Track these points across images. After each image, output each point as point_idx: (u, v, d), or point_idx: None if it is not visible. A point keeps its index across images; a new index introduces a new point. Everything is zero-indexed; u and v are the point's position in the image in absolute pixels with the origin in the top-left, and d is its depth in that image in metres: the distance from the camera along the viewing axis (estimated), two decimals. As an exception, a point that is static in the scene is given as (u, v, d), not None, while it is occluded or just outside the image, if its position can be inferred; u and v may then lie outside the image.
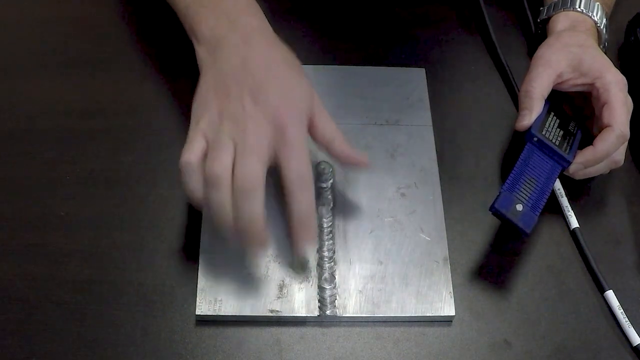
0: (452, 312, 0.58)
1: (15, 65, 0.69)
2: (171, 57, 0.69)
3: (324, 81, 0.69)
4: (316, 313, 0.57)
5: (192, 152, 0.53)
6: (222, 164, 0.52)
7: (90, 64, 0.69)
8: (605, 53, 0.69)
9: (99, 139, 0.65)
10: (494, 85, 0.72)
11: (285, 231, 0.59)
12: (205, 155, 0.54)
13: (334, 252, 0.59)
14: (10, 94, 0.67)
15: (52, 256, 0.58)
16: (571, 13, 0.69)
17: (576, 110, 0.68)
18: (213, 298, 0.56)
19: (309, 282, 0.58)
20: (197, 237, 0.59)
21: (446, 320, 0.58)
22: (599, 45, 0.69)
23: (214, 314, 0.56)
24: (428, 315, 0.57)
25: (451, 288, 0.59)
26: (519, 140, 0.64)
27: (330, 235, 0.60)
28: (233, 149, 0.53)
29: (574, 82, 0.65)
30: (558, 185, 0.66)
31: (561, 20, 0.69)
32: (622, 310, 0.59)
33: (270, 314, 0.56)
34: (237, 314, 0.56)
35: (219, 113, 0.54)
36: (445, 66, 0.73)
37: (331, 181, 0.63)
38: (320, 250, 0.59)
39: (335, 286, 0.58)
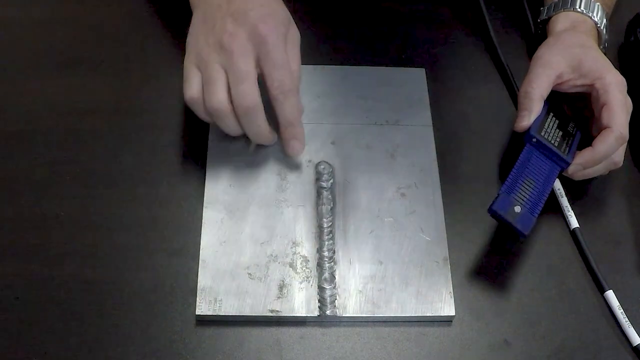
0: (452, 312, 0.58)
1: (15, 65, 0.69)
2: (171, 56, 0.69)
3: (324, 81, 0.69)
4: (316, 313, 0.57)
5: (192, 89, 0.60)
6: (218, 99, 0.58)
7: (90, 64, 0.69)
8: (605, 53, 0.69)
9: (99, 139, 0.65)
10: (494, 85, 0.72)
11: (284, 230, 0.60)
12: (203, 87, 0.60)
13: (334, 252, 0.59)
14: (10, 94, 0.67)
15: (52, 256, 0.58)
16: (571, 13, 0.69)
17: (576, 111, 0.68)
18: (213, 298, 0.56)
19: (309, 282, 0.58)
20: (197, 237, 0.59)
21: (446, 320, 0.58)
22: (599, 45, 0.69)
23: (214, 314, 0.56)
24: (428, 315, 0.57)
25: (451, 288, 0.59)
26: (519, 141, 0.64)
27: (330, 235, 0.60)
28: (225, 77, 0.58)
29: (574, 83, 0.65)
30: (558, 185, 0.66)
31: (561, 21, 0.69)
32: (622, 310, 0.59)
33: (270, 314, 0.56)
34: (237, 314, 0.56)
35: (206, 42, 0.60)
36: (445, 66, 0.73)
37: (331, 181, 0.63)
38: (320, 250, 0.59)
39: (335, 286, 0.58)
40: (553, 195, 0.65)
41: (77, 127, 0.65)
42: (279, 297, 0.57)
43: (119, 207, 0.61)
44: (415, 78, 0.71)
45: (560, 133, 0.64)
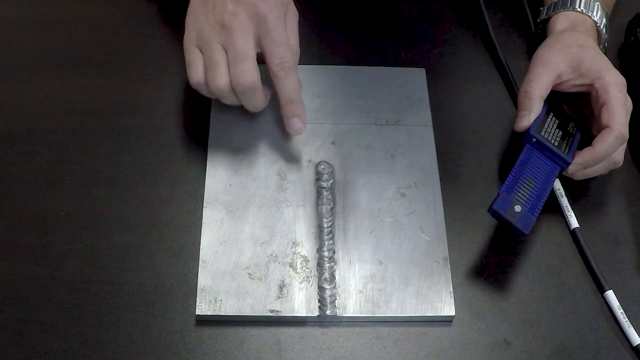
0: (452, 312, 0.58)
1: (15, 65, 0.69)
2: (171, 56, 0.69)
3: (324, 81, 0.69)
4: (316, 313, 0.57)
5: (196, 74, 0.61)
6: (221, 81, 0.59)
7: (90, 64, 0.69)
8: (605, 53, 0.69)
9: (99, 139, 0.65)
10: (494, 85, 0.72)
11: (284, 230, 0.60)
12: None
13: (334, 252, 0.59)
14: (10, 94, 0.67)
15: (52, 256, 0.58)
16: (571, 13, 0.69)
17: (576, 110, 0.68)
18: (213, 298, 0.56)
19: (309, 282, 0.58)
20: (197, 237, 0.59)
21: (446, 320, 0.58)
22: (599, 45, 0.69)
23: (214, 314, 0.56)
24: (428, 315, 0.57)
25: (451, 288, 0.59)
26: (519, 141, 0.64)
27: (330, 235, 0.60)
28: (226, 58, 0.59)
29: (574, 83, 0.65)
30: (558, 185, 0.66)
31: (561, 21, 0.69)
32: (622, 310, 0.59)
33: (270, 314, 0.56)
34: (237, 314, 0.56)
35: (207, 22, 0.60)
36: (445, 66, 0.73)
37: (331, 181, 0.63)
38: (320, 250, 0.59)
39: (335, 286, 0.58)
40: (553, 195, 0.65)
41: (77, 127, 0.65)
42: (279, 297, 0.57)
43: (119, 207, 0.61)
44: (415, 78, 0.71)
45: (560, 133, 0.64)
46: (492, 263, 0.62)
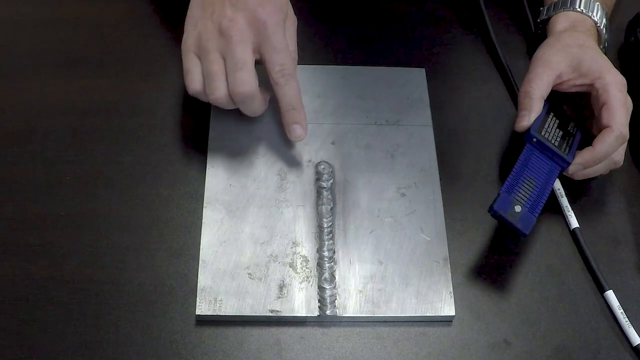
0: (452, 312, 0.58)
1: (15, 65, 0.69)
2: (171, 56, 0.69)
3: (324, 81, 0.69)
4: (316, 313, 0.57)
5: (194, 83, 0.61)
6: (219, 93, 0.60)
7: (90, 64, 0.69)
8: (605, 53, 0.69)
9: (99, 139, 0.65)
10: (494, 85, 0.72)
11: (284, 230, 0.60)
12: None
13: (334, 252, 0.59)
14: (10, 94, 0.67)
15: (52, 256, 0.58)
16: (571, 13, 0.69)
17: (576, 110, 0.68)
18: (213, 298, 0.56)
19: (309, 282, 0.58)
20: (197, 237, 0.59)
21: (446, 320, 0.58)
22: (599, 45, 0.69)
23: (214, 314, 0.56)
24: (428, 315, 0.57)
25: (451, 288, 0.59)
26: (519, 141, 0.64)
27: (330, 235, 0.60)
28: (223, 66, 0.59)
29: (574, 83, 0.65)
30: (558, 185, 0.66)
31: (561, 21, 0.69)
32: (622, 310, 0.59)
33: (270, 314, 0.56)
34: (237, 314, 0.56)
35: (205, 28, 0.60)
36: (445, 66, 0.73)
37: (331, 181, 0.63)
38: (320, 250, 0.59)
39: (335, 286, 0.58)
40: (553, 195, 0.65)
41: (77, 127, 0.65)
42: (279, 297, 0.57)
43: (119, 207, 0.61)
44: (415, 78, 0.71)
45: (561, 133, 0.64)
46: (492, 263, 0.62)
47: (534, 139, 0.63)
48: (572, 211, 0.64)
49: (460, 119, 0.69)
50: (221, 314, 0.56)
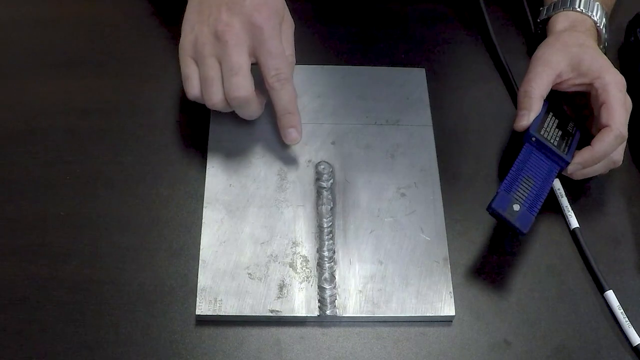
0: (452, 312, 0.58)
1: (15, 65, 0.69)
2: (171, 57, 0.69)
3: (324, 81, 0.69)
4: (316, 313, 0.57)
5: (193, 88, 0.61)
6: (216, 99, 0.60)
7: (90, 64, 0.69)
8: (605, 53, 0.69)
9: (99, 139, 0.65)
10: (494, 85, 0.72)
11: (284, 230, 0.60)
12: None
13: (334, 252, 0.59)
14: (10, 94, 0.67)
15: (52, 256, 0.58)
16: (571, 13, 0.69)
17: (575, 110, 0.68)
18: (213, 298, 0.56)
19: (309, 282, 0.58)
20: (197, 237, 0.59)
21: (446, 320, 0.58)
22: (599, 45, 0.69)
23: (214, 314, 0.56)
24: (428, 315, 0.57)
25: (451, 288, 0.59)
26: (518, 140, 0.64)
27: (330, 235, 0.60)
28: (219, 71, 0.59)
29: (573, 82, 0.65)
30: (558, 185, 0.66)
31: (561, 20, 0.69)
32: (622, 310, 0.59)
33: (270, 314, 0.56)
34: (237, 314, 0.56)
35: (201, 32, 0.60)
36: (445, 66, 0.73)
37: (331, 181, 0.63)
38: (320, 250, 0.59)
39: (335, 286, 0.58)
40: (553, 195, 0.65)
41: (77, 127, 0.65)
42: (279, 297, 0.57)
43: (118, 207, 0.61)
44: (415, 78, 0.71)
45: (560, 132, 0.64)
46: (492, 263, 0.62)
47: (533, 139, 0.63)
48: (572, 211, 0.64)
49: (460, 119, 0.69)
50: (221, 314, 0.56)
